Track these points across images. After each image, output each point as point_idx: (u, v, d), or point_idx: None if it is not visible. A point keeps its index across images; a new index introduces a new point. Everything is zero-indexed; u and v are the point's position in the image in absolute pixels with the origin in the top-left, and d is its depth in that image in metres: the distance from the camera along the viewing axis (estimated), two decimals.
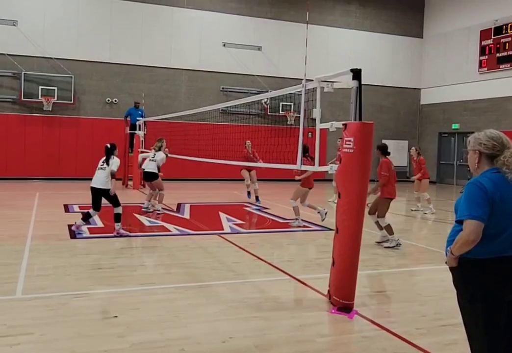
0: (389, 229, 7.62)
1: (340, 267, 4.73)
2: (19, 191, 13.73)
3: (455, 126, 20.93)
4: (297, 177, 8.82)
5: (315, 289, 5.28)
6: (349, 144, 4.70)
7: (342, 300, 4.64)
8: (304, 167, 5.84)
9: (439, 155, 21.93)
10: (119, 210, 8.07)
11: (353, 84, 4.81)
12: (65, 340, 3.88)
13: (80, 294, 4.97)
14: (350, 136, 4.70)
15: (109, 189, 7.94)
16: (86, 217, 8.19)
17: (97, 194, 8.02)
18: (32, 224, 8.80)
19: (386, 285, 5.68)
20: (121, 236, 7.95)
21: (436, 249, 7.61)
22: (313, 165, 5.93)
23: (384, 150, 7.65)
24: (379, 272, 6.27)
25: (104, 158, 8.10)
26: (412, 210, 12.29)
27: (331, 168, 5.20)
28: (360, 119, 4.78)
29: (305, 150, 7.58)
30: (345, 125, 4.82)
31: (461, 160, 20.78)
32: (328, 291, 4.88)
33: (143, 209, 10.63)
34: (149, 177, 10.69)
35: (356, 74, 4.80)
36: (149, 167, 10.65)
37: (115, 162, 8.06)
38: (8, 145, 16.89)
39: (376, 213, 7.72)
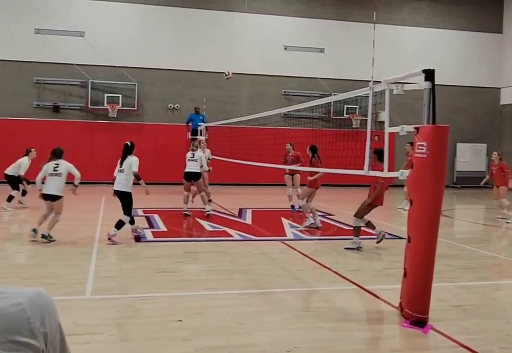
0: (358, 230, 7.77)
1: (413, 279, 4.47)
2: (87, 195, 14.19)
3: None
4: (309, 178, 9.10)
5: (385, 301, 5.04)
6: (422, 149, 4.45)
7: (415, 313, 4.38)
8: (372, 173, 5.61)
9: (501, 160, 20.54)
10: (125, 219, 7.74)
11: (426, 85, 4.57)
12: (134, 342, 3.94)
13: (145, 296, 5.02)
14: (423, 140, 4.46)
15: (129, 192, 7.69)
16: (119, 225, 7.72)
17: (119, 197, 7.82)
18: (99, 227, 9.04)
19: (465, 299, 5.29)
20: (112, 243, 7.53)
21: None
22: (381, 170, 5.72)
23: (381, 156, 7.29)
24: (456, 285, 5.87)
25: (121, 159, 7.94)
26: (498, 218, 11.46)
27: (402, 174, 4.97)
28: (433, 122, 4.53)
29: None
30: (417, 128, 4.58)
31: None
32: (400, 303, 4.63)
33: (184, 213, 10.62)
34: (192, 177, 10.60)
35: (429, 75, 4.55)
36: (191, 167, 10.60)
37: (133, 162, 7.79)
38: (76, 151, 17.54)
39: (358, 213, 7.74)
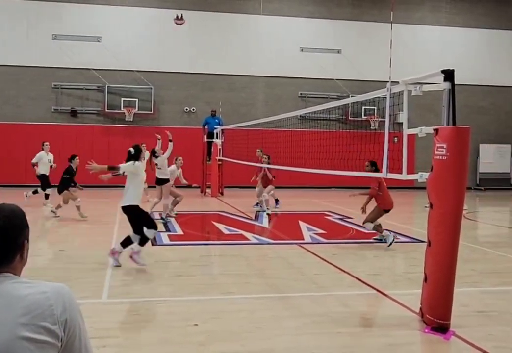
0: (378, 229, 8.24)
1: (434, 283, 4.37)
2: (104, 198, 14.29)
3: None
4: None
5: (406, 306, 4.92)
6: (442, 151, 4.36)
7: (436, 319, 4.28)
8: (390, 176, 5.52)
9: None
10: (149, 233, 6.38)
11: (445, 86, 4.47)
12: (150, 346, 3.93)
13: (162, 300, 5.02)
14: (442, 142, 4.36)
15: (131, 206, 6.37)
16: (126, 243, 6.46)
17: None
18: (116, 230, 9.05)
19: (489, 305, 5.13)
20: (115, 259, 6.42)
21: None
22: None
23: (375, 165, 7.85)
24: (480, 290, 5.71)
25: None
26: None
27: (421, 176, 4.87)
28: (454, 123, 4.43)
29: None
30: (436, 130, 4.48)
31: None
32: (421, 309, 4.52)
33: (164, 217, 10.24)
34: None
35: (449, 75, 4.45)
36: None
37: (128, 165, 6.46)
38: (94, 154, 17.68)
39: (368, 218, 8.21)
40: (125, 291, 5.31)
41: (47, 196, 12.04)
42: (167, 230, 9.26)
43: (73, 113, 17.92)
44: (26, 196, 11.94)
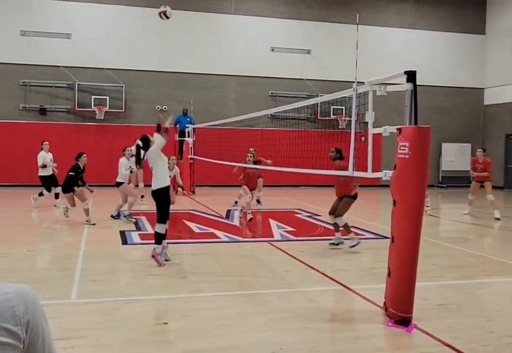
0: (347, 227, 7.67)
1: (397, 278, 4.51)
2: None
3: None
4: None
5: (370, 301, 5.06)
6: (404, 150, 4.50)
7: (399, 312, 4.42)
8: (356, 174, 5.65)
9: (507, 159, 20.53)
10: (159, 228, 6.56)
11: (408, 87, 4.61)
12: (118, 345, 3.93)
13: (132, 299, 5.01)
14: (405, 141, 4.50)
15: (159, 189, 6.45)
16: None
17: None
18: (86, 230, 8.99)
19: (448, 298, 5.32)
20: (156, 261, 6.46)
21: (503, 260, 7.15)
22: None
23: (340, 153, 7.66)
24: (440, 283, 5.92)
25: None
26: (464, 214, 11.83)
27: (385, 174, 5.01)
28: (415, 123, 4.57)
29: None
30: (399, 129, 4.62)
31: None
32: (384, 303, 4.67)
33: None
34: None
35: (411, 76, 4.59)
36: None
37: (152, 150, 6.68)
38: (63, 153, 17.44)
39: (336, 212, 7.66)
40: (94, 291, 5.28)
41: (57, 196, 11.81)
42: (138, 229, 9.24)
43: (42, 111, 17.62)
44: (33, 198, 11.71)
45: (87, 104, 17.59)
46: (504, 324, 4.53)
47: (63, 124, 17.78)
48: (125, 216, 10.11)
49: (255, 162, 10.94)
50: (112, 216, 10.26)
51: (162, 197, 6.49)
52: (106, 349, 3.88)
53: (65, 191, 9.87)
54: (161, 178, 6.52)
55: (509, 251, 8.05)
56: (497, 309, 4.96)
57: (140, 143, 6.73)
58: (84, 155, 10.07)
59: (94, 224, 9.55)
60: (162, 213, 6.54)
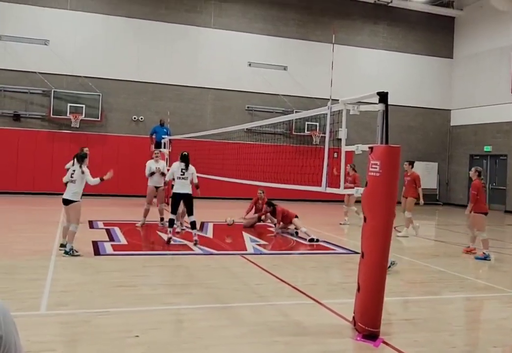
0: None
1: (366, 293, 4.62)
2: (46, 206, 13.93)
3: (487, 148, 20.41)
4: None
5: (340, 315, 5.16)
6: (375, 168, 4.65)
7: (367, 327, 4.52)
8: (329, 190, 5.78)
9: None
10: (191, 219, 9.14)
11: (380, 107, 4.77)
12: None
13: (102, 312, 4.96)
14: (376, 159, 4.65)
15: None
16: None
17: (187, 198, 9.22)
18: (57, 239, 8.88)
19: (414, 313, 5.49)
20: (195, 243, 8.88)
21: (466, 277, 7.38)
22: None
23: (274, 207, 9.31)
24: (406, 299, 6.09)
25: (184, 165, 9.18)
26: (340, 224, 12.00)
27: (357, 191, 5.15)
28: (386, 142, 4.73)
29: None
30: (371, 148, 4.77)
31: (494, 184, 20.13)
32: (353, 317, 4.77)
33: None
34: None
35: (383, 97, 4.75)
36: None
37: (194, 172, 9.36)
38: (36, 160, 17.22)
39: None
40: (63, 302, 5.21)
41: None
42: (111, 239, 9.18)
43: (16, 117, 17.37)
44: None
45: (62, 111, 17.42)
46: (465, 338, 4.69)
47: (37, 131, 17.55)
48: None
49: (268, 204, 11.17)
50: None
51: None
52: None
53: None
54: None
55: (471, 268, 8.29)
56: (459, 325, 5.14)
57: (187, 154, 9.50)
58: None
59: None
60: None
